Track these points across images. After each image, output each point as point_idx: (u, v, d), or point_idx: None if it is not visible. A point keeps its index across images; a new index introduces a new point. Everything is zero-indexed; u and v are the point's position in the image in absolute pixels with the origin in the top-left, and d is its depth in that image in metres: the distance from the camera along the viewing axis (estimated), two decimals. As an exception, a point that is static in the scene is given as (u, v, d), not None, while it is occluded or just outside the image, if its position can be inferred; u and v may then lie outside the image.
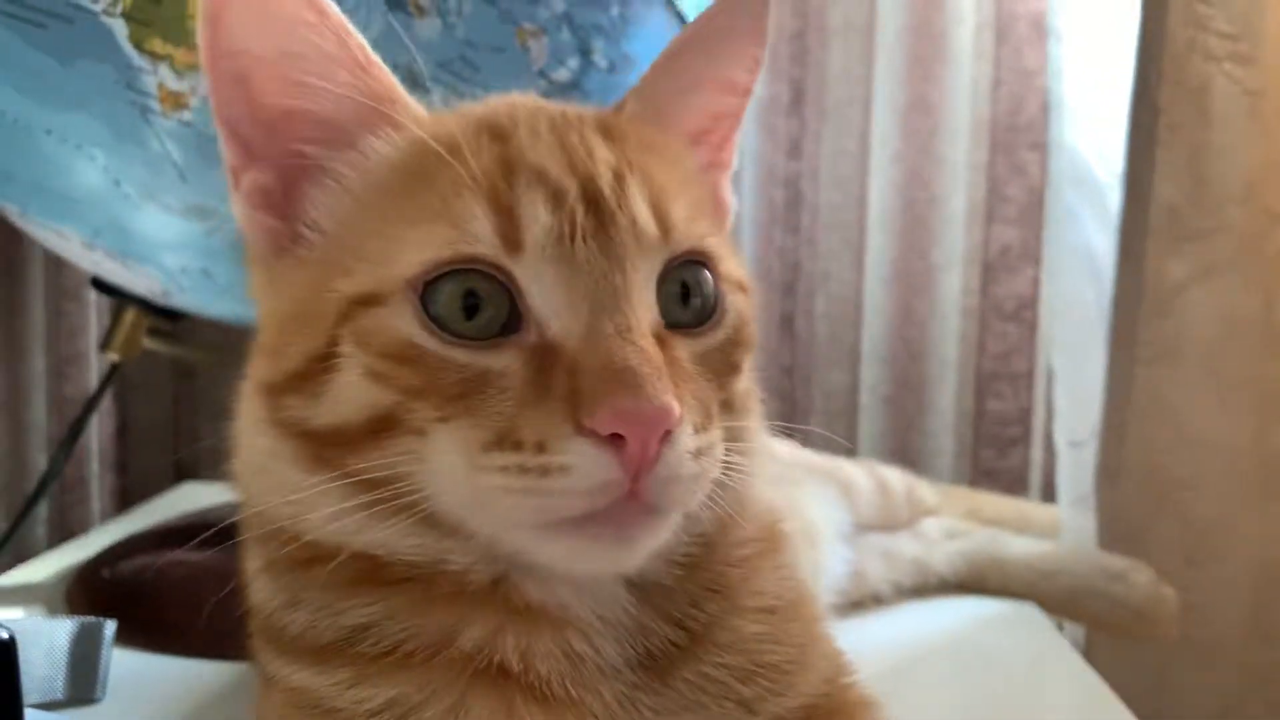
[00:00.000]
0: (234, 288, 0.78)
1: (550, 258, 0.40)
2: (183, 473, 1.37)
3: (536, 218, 0.40)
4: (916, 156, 1.28)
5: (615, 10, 0.70)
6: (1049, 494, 1.17)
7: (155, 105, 0.65)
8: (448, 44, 0.65)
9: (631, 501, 0.38)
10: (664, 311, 0.42)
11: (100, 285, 0.89)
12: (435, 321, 0.40)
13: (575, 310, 0.40)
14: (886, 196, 1.29)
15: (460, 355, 0.39)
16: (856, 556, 0.86)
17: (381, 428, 0.40)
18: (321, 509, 0.41)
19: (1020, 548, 0.94)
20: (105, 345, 0.94)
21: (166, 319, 0.95)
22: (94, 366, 1.29)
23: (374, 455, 0.40)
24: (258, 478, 0.45)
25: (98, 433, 1.31)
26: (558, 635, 0.42)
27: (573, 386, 0.38)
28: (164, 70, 0.64)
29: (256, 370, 0.45)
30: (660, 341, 0.41)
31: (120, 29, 0.63)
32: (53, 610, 0.81)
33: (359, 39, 0.43)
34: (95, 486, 1.31)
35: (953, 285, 1.29)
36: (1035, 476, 1.29)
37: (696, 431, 0.40)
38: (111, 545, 0.87)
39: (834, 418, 1.33)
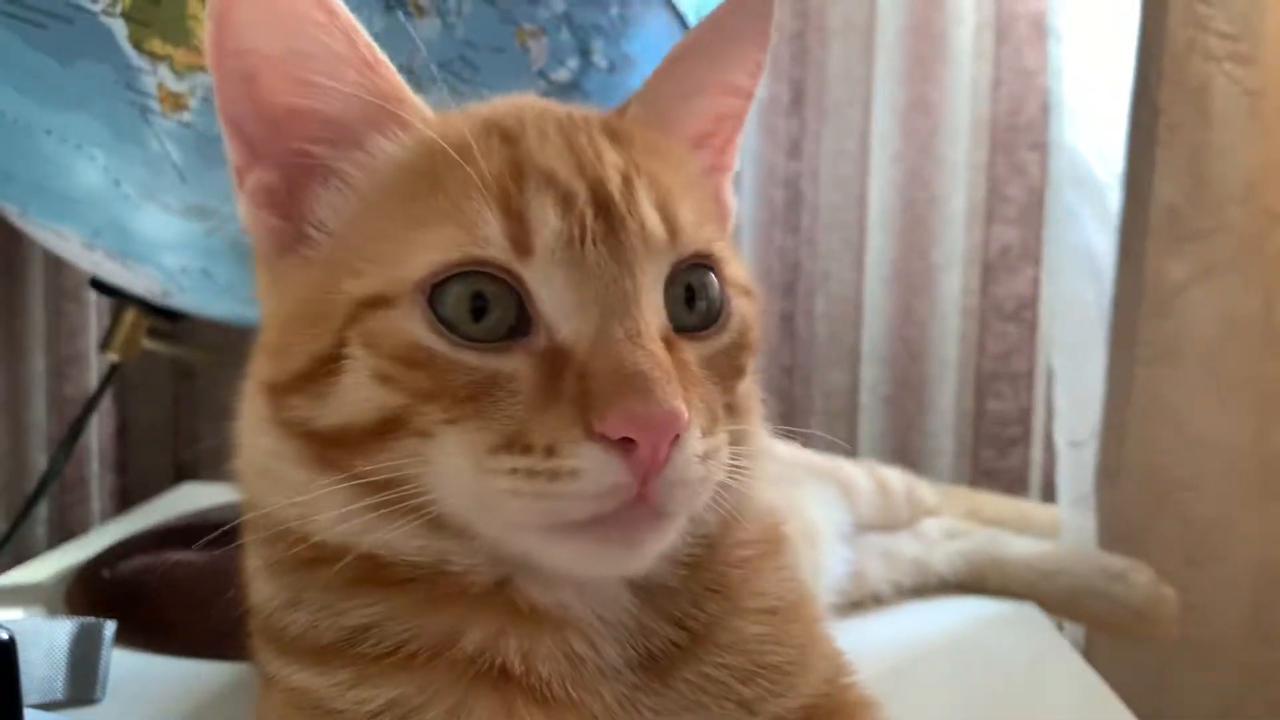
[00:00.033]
0: (234, 288, 0.78)
1: (560, 261, 0.40)
2: (183, 473, 1.37)
3: (546, 221, 0.40)
4: (916, 156, 1.28)
5: (615, 10, 0.70)
6: (1049, 494, 1.17)
7: (155, 105, 0.65)
8: (447, 44, 0.65)
9: (640, 505, 0.38)
10: (670, 315, 0.42)
11: (100, 286, 0.89)
12: (444, 324, 0.40)
13: (585, 314, 0.40)
14: (886, 196, 1.29)
15: (470, 358, 0.39)
16: (856, 556, 0.86)
17: (387, 429, 0.40)
18: (327, 510, 0.41)
19: (1020, 548, 0.94)
20: (105, 345, 0.94)
21: (166, 319, 0.95)
22: (94, 366, 1.29)
23: (379, 456, 0.40)
24: (260, 477, 0.45)
25: (98, 433, 1.31)
26: (559, 637, 0.42)
27: (583, 390, 0.38)
28: (163, 70, 0.64)
29: (259, 370, 0.45)
30: (668, 345, 0.41)
31: (120, 29, 0.63)
32: (53, 610, 0.81)
33: (367, 38, 0.43)
34: (95, 486, 1.31)
35: (953, 285, 1.29)
36: (1035, 476, 1.29)
37: (703, 435, 0.40)
38: (111, 545, 0.87)
39: (834, 418, 1.33)
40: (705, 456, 0.39)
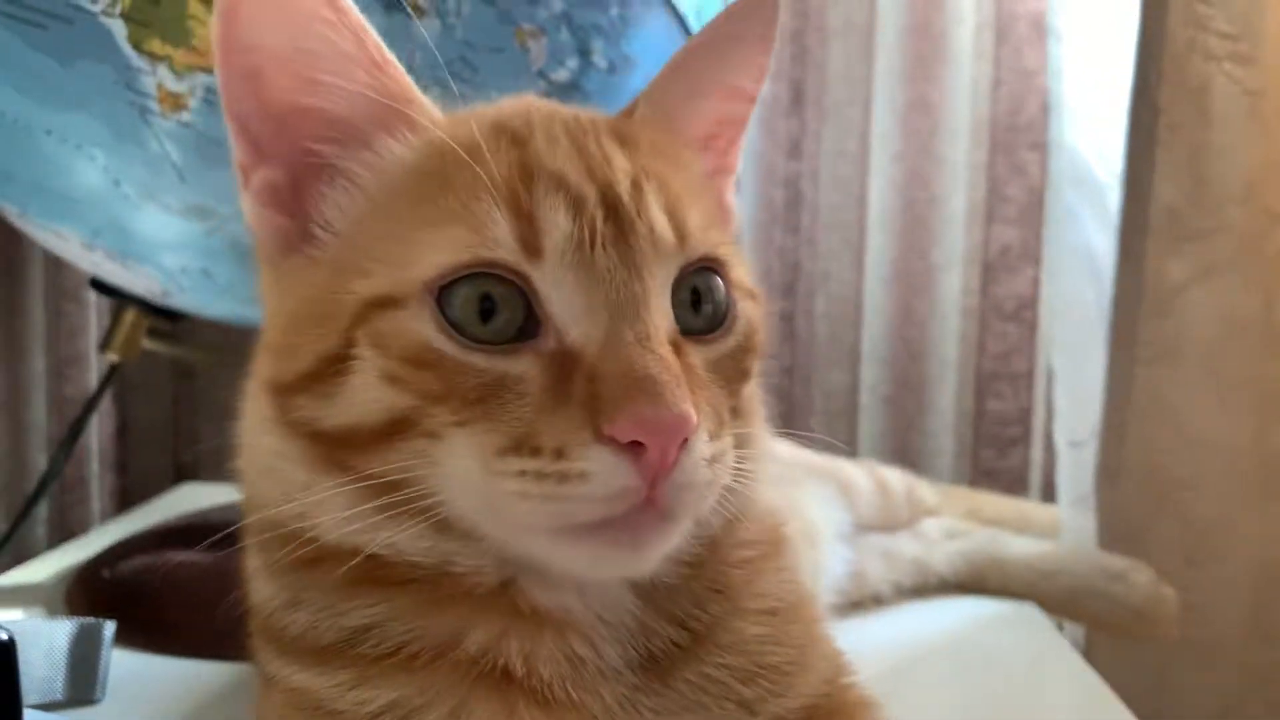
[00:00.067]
0: (234, 288, 0.78)
1: (570, 264, 0.40)
2: (183, 473, 1.37)
3: (557, 224, 0.40)
4: (916, 156, 1.28)
5: (614, 11, 0.69)
6: (1049, 494, 1.17)
7: (154, 106, 0.65)
8: (447, 44, 0.65)
9: (647, 508, 0.38)
10: (677, 318, 0.42)
11: (100, 286, 0.89)
12: (453, 325, 0.40)
13: (595, 317, 0.40)
14: (886, 196, 1.29)
15: (479, 360, 0.39)
16: (856, 557, 0.86)
17: (396, 430, 0.40)
18: (332, 511, 0.41)
19: (1020, 548, 0.94)
20: (105, 346, 0.94)
21: (166, 319, 0.95)
22: (94, 367, 1.29)
23: (387, 458, 0.40)
24: (263, 477, 0.45)
25: (98, 433, 1.31)
26: (560, 638, 0.43)
27: (592, 393, 0.38)
28: (163, 71, 0.64)
29: (263, 369, 0.45)
30: (675, 348, 0.41)
31: (119, 29, 0.63)
32: (53, 610, 0.81)
33: (376, 38, 0.43)
34: (95, 487, 1.31)
35: (953, 285, 1.29)
36: (1035, 476, 1.30)
37: (710, 438, 0.40)
38: (111, 545, 0.87)
39: (834, 418, 1.33)
40: (712, 460, 0.40)
